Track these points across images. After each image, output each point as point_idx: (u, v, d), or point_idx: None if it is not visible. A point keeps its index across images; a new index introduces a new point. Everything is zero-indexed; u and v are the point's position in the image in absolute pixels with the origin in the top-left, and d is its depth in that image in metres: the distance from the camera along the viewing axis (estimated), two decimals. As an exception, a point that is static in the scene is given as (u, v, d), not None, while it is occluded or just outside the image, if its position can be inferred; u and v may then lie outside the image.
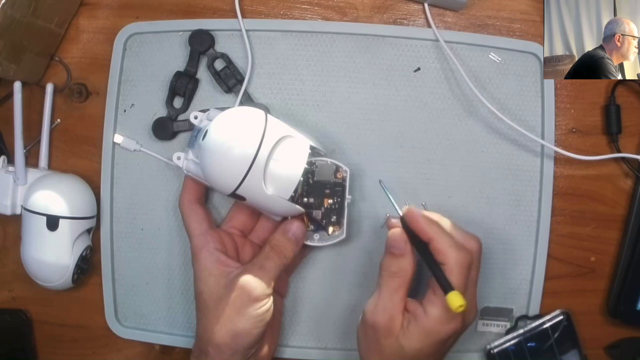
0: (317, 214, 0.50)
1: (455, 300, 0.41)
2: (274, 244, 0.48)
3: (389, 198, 0.48)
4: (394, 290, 0.45)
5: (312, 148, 0.49)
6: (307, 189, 0.50)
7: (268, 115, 0.46)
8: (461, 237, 0.46)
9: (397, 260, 0.45)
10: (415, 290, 0.46)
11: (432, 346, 0.44)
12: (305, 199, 0.50)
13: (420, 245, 0.45)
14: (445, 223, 0.46)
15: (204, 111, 0.51)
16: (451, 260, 0.43)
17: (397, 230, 0.46)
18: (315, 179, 0.50)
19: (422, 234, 0.45)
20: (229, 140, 0.44)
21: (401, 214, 0.47)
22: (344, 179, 0.50)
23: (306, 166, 0.47)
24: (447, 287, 0.42)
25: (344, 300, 0.55)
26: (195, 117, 0.51)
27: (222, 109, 0.49)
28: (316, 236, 0.50)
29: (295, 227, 0.49)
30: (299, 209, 0.48)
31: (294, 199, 0.48)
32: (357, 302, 0.55)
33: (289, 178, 0.46)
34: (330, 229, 0.50)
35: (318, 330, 0.55)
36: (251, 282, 0.46)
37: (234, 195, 0.46)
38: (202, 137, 0.46)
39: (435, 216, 0.47)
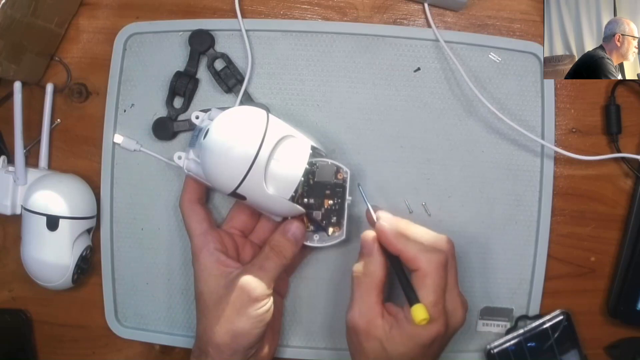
0: (317, 214, 0.50)
1: (419, 313, 0.42)
2: (274, 245, 0.48)
3: (367, 204, 0.48)
4: (365, 293, 0.46)
5: (313, 148, 0.48)
6: (307, 189, 0.50)
7: (269, 115, 0.46)
8: (430, 240, 0.46)
9: (366, 261, 0.46)
10: (399, 296, 0.46)
11: (416, 350, 0.44)
12: (306, 200, 0.50)
13: (391, 257, 0.46)
14: (413, 229, 0.46)
15: (205, 111, 0.51)
16: (423, 264, 0.43)
17: (368, 232, 0.47)
18: (315, 179, 0.50)
19: (390, 247, 0.45)
20: (230, 139, 0.44)
21: (376, 220, 0.47)
22: (344, 180, 0.50)
23: (307, 166, 0.47)
24: (412, 300, 0.43)
25: (344, 300, 0.54)
26: (197, 117, 0.51)
27: (224, 108, 0.49)
28: (316, 237, 0.50)
29: (295, 227, 0.49)
30: (299, 209, 0.48)
31: (294, 199, 0.48)
32: (357, 302, 0.55)
33: (290, 178, 0.46)
34: (330, 230, 0.50)
35: (318, 331, 0.55)
36: (251, 282, 0.46)
37: (234, 194, 0.46)
38: (203, 136, 0.46)
39: (402, 223, 0.47)
